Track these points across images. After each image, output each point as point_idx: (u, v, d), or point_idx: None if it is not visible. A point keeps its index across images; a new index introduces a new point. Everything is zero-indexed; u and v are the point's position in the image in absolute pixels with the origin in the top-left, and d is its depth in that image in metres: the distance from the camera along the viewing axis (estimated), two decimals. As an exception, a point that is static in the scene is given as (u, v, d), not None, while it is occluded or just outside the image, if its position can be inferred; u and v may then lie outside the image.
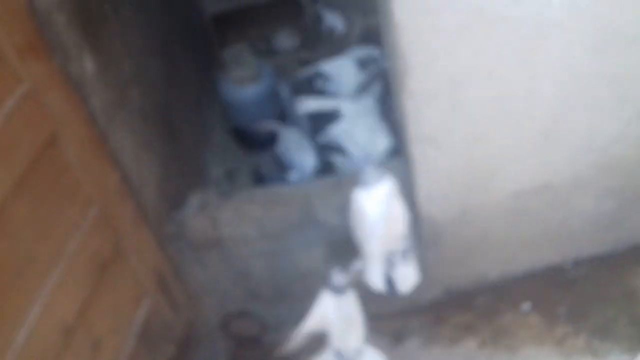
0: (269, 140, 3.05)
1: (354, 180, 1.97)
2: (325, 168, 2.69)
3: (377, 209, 1.60)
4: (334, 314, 1.67)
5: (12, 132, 1.37)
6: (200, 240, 2.13)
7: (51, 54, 1.53)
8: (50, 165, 1.49)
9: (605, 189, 2.03)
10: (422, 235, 2.08)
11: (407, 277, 1.74)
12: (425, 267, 2.16)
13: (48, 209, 1.47)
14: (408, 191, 2.01)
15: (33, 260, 1.41)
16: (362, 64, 2.91)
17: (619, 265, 2.20)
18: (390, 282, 1.72)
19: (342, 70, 2.92)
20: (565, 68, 1.71)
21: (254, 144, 3.08)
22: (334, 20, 3.35)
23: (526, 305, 2.19)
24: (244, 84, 2.93)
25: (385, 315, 2.23)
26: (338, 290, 1.65)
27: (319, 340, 1.80)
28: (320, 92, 2.97)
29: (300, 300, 2.26)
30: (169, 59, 2.62)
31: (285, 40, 3.60)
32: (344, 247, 2.12)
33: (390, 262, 1.70)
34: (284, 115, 3.10)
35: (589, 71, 1.72)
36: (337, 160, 2.70)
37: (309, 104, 2.85)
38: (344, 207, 2.01)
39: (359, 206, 1.63)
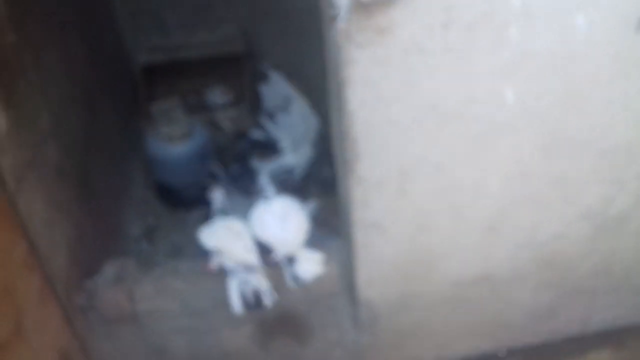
0: (195, 200, 2.89)
1: (287, 258, 1.86)
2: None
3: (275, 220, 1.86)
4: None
5: None
6: (113, 314, 1.93)
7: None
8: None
9: (543, 283, 2.00)
10: (358, 318, 1.97)
11: (310, 268, 1.85)
12: (359, 351, 2.06)
13: None
14: (347, 274, 1.91)
15: None
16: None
17: (553, 357, 2.17)
18: (295, 277, 1.84)
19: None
20: (513, 166, 1.67)
21: (179, 203, 2.92)
22: (278, 83, 3.25)
23: (458, 395, 2.12)
24: (173, 142, 2.77)
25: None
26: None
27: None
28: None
29: (221, 380, 2.11)
30: (91, 110, 2.43)
31: (219, 96, 3.47)
32: (275, 326, 1.99)
33: (292, 261, 1.84)
34: (214, 176, 2.96)
35: (536, 171, 1.69)
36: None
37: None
38: (276, 287, 1.90)
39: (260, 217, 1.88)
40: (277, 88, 3.34)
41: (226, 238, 1.86)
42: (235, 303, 1.80)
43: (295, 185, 2.73)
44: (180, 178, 2.86)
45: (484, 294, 1.98)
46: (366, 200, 1.65)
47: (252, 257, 1.83)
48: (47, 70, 1.94)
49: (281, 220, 1.89)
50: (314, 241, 1.90)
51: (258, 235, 1.89)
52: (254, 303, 1.80)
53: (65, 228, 1.88)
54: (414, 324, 2.03)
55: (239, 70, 3.25)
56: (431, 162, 1.61)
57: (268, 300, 1.81)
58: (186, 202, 2.81)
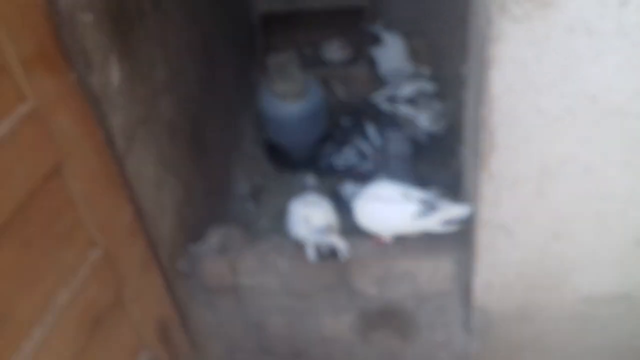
0: (304, 162, 2.80)
1: (401, 253, 1.72)
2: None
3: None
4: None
5: (4, 163, 1.11)
6: (214, 284, 1.88)
7: (67, 64, 1.26)
8: (48, 203, 1.23)
9: (693, 310, 1.72)
10: (470, 323, 1.80)
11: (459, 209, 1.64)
12: (466, 358, 1.89)
13: (38, 253, 1.22)
14: (463, 274, 1.73)
15: (10, 317, 1.16)
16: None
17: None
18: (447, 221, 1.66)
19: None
20: (677, 175, 1.41)
21: (288, 164, 2.82)
22: (394, 44, 3.05)
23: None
24: (288, 100, 2.65)
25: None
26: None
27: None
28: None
29: (317, 365, 2.01)
30: (208, 60, 2.34)
31: (336, 51, 3.32)
32: (378, 319, 1.86)
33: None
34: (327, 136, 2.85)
35: None
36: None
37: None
38: (385, 280, 1.75)
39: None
40: (392, 53, 3.14)
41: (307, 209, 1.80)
42: (311, 253, 1.74)
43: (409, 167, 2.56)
44: (291, 138, 2.77)
45: (618, 314, 1.74)
46: (496, 199, 1.46)
47: (330, 220, 1.76)
48: (167, 16, 1.86)
49: (385, 205, 1.75)
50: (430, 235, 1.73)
51: (362, 224, 1.77)
52: (328, 254, 1.74)
53: (174, 189, 1.82)
54: (532, 338, 1.82)
55: (360, 25, 3.09)
56: (580, 162, 1.39)
57: (343, 255, 1.72)
58: (295, 163, 2.73)
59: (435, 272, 1.73)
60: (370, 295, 1.81)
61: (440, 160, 2.66)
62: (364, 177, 2.46)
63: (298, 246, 1.79)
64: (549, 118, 1.30)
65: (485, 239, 1.55)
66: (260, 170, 2.86)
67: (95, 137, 1.36)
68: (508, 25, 1.15)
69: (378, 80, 3.10)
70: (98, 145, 1.37)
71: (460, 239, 1.71)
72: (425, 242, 1.73)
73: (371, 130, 2.78)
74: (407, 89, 2.87)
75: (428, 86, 2.90)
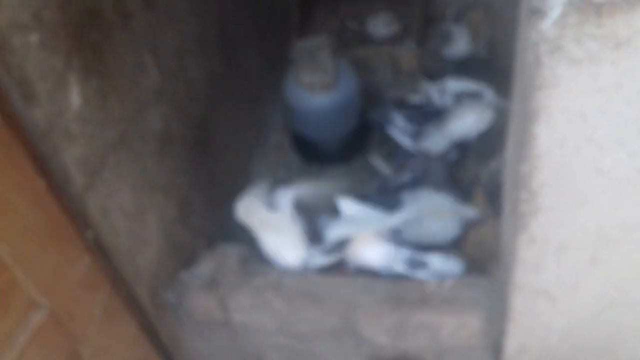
0: (332, 156, 2.51)
1: (418, 303, 1.44)
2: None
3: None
4: None
5: None
6: (202, 318, 1.64)
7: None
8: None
9: None
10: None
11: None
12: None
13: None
14: (492, 330, 1.45)
15: None
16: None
17: None
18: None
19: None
20: None
21: (314, 157, 2.53)
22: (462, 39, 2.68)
23: None
24: (315, 92, 2.32)
25: None
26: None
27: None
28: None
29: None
30: (225, 49, 2.02)
31: (383, 27, 2.93)
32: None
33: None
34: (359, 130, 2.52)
35: None
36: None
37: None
38: (399, 330, 1.49)
39: None
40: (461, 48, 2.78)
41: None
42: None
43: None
44: (319, 131, 2.46)
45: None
46: (538, 264, 1.15)
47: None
48: (165, 12, 1.55)
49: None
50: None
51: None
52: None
53: (163, 210, 1.57)
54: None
55: (429, 23, 2.74)
56: (649, 227, 1.07)
57: None
58: (322, 157, 2.44)
59: (459, 327, 1.44)
60: (382, 344, 1.54)
61: (485, 159, 2.32)
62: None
63: (297, 286, 1.53)
64: (613, 179, 0.98)
65: (522, 304, 1.26)
66: (285, 162, 2.57)
67: (33, 185, 1.09)
68: (564, 69, 0.82)
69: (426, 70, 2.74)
70: (36, 194, 1.10)
71: (491, 292, 1.42)
72: (449, 291, 1.45)
73: (400, 126, 2.43)
74: (454, 85, 2.50)
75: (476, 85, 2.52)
